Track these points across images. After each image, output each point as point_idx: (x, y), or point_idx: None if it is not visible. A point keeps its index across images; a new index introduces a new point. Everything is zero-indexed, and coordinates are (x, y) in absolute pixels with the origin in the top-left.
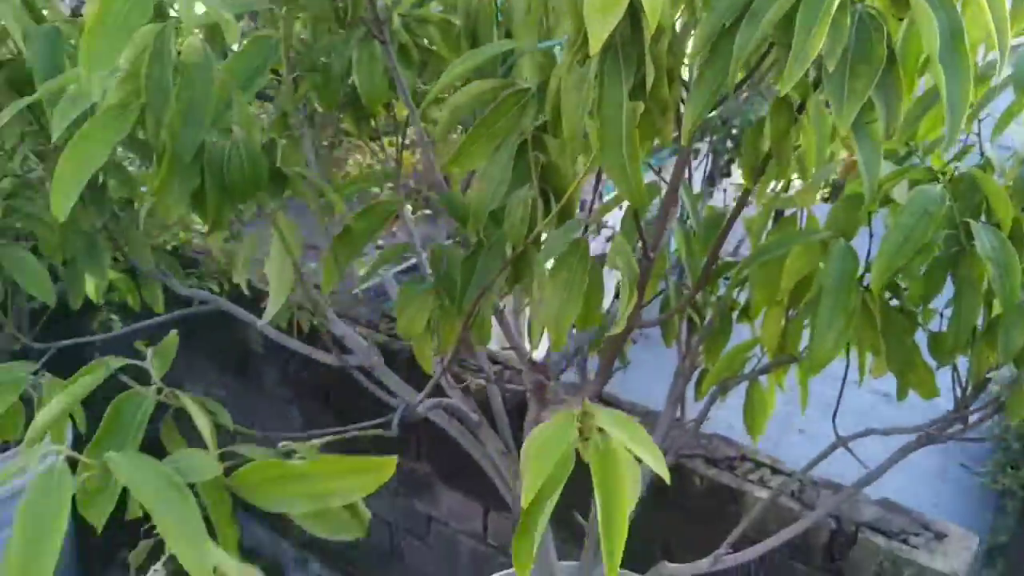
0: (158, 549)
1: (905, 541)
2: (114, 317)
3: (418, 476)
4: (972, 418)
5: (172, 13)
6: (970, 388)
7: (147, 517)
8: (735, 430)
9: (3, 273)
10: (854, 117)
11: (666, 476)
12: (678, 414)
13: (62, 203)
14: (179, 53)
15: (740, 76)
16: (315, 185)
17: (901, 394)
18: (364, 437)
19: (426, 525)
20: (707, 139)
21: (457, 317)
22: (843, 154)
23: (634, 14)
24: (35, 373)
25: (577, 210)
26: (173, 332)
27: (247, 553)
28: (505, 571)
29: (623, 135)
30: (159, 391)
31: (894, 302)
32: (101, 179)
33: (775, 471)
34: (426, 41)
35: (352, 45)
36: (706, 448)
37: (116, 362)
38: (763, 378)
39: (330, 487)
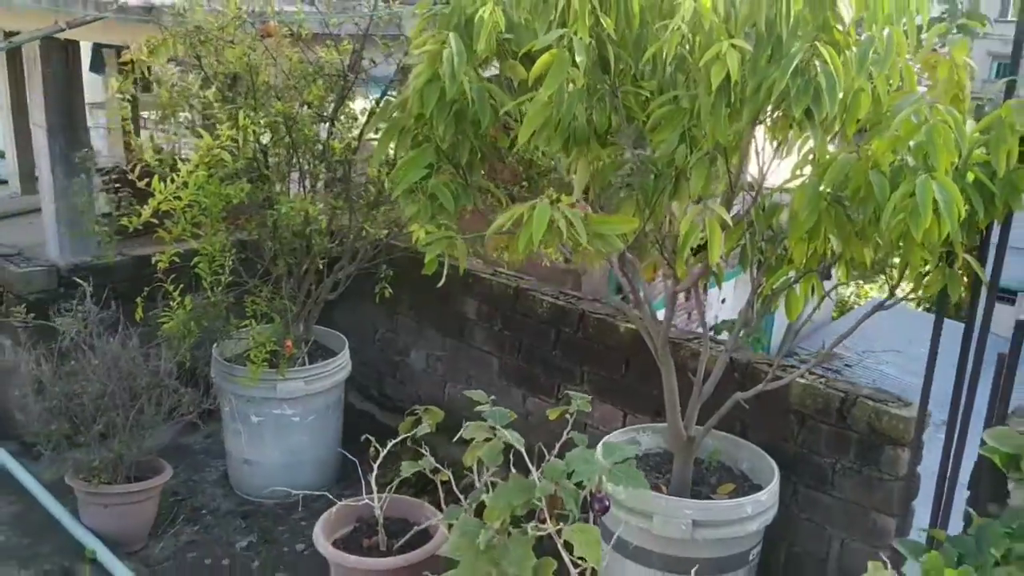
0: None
1: (886, 404)
2: None
3: None
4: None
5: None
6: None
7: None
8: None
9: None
10: (801, 114)
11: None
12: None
13: (527, 132)
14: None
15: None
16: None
17: (845, 256)
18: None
19: (583, 430)
20: None
21: (646, 207)
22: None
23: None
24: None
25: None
26: None
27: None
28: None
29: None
30: None
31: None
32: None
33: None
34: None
35: None
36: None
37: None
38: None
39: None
